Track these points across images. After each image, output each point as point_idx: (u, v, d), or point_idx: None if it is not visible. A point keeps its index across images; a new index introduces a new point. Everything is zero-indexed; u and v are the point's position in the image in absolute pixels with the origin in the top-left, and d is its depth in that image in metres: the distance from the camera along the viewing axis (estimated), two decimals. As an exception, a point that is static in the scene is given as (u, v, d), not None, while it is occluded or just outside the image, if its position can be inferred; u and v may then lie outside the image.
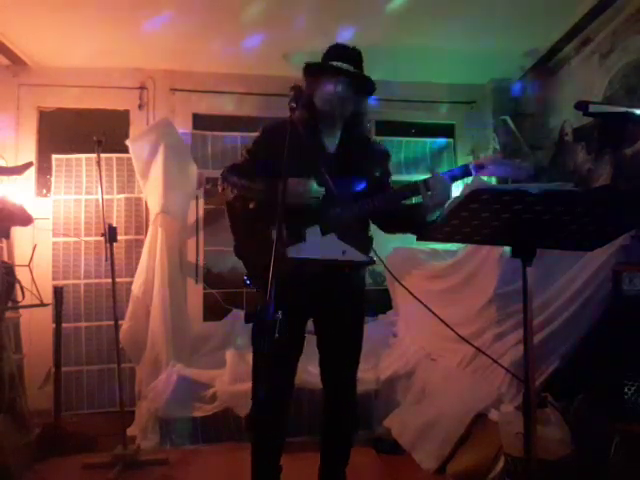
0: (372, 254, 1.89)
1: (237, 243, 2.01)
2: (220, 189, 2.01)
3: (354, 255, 1.84)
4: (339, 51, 1.95)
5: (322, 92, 1.91)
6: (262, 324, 1.40)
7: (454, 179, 1.82)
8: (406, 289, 1.79)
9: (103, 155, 3.15)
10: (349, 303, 1.98)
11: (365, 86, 1.97)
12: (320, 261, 1.83)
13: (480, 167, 1.78)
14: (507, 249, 1.34)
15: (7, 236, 3.44)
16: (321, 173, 1.83)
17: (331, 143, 1.99)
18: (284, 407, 1.97)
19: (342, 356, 2.01)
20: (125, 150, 3.62)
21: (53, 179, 3.71)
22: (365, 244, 1.93)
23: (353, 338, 2.02)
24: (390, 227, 2.07)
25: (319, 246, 1.83)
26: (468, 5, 3.14)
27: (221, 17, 3.23)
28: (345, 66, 1.90)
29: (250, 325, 1.93)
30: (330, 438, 2.06)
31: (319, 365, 2.05)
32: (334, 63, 1.91)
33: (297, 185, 1.78)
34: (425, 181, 1.79)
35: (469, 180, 4.17)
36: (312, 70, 1.95)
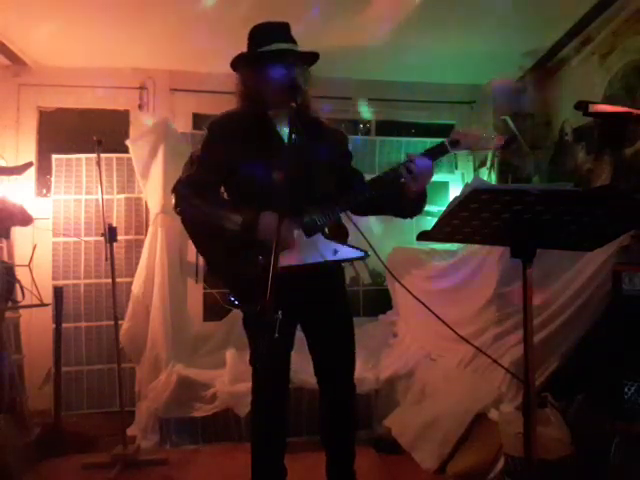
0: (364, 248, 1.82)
1: (212, 261, 1.89)
2: (178, 210, 1.88)
3: (347, 253, 1.80)
4: (273, 31, 1.83)
5: (276, 80, 1.76)
6: (262, 324, 1.40)
7: (432, 159, 1.78)
8: (406, 289, 1.79)
9: (103, 155, 3.15)
10: (334, 297, 1.97)
11: (308, 58, 1.86)
12: (312, 265, 1.78)
13: (455, 143, 1.77)
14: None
15: (7, 236, 3.43)
16: (286, 168, 1.64)
17: (285, 132, 1.84)
18: (283, 404, 1.96)
19: (337, 354, 1.97)
20: (125, 150, 3.62)
21: (53, 179, 3.70)
22: (345, 235, 1.88)
23: (344, 331, 1.98)
24: (365, 211, 1.99)
25: (307, 250, 1.77)
26: (468, 5, 3.15)
27: (221, 17, 3.23)
28: (290, 46, 1.80)
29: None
30: (336, 439, 2.03)
31: (315, 373, 2.01)
32: (280, 46, 1.78)
33: (272, 224, 1.59)
34: (406, 164, 1.74)
35: (469, 180, 4.20)
36: (257, 59, 1.81)
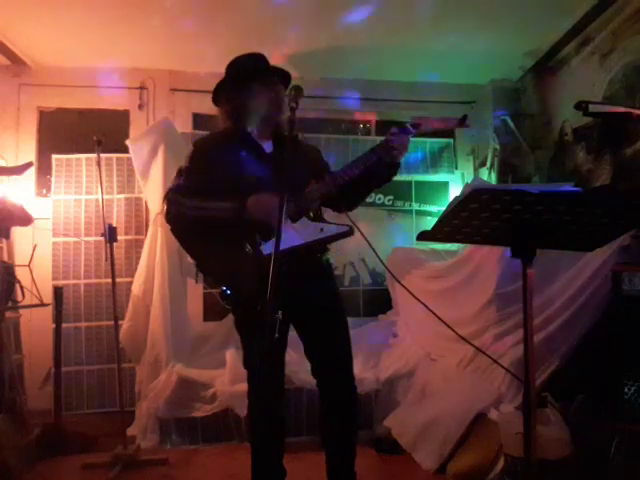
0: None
1: (202, 260, 1.94)
2: (168, 217, 1.94)
3: (332, 229, 1.86)
4: (257, 60, 2.05)
5: (270, 99, 1.96)
6: (262, 324, 1.40)
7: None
8: (406, 289, 1.79)
9: (103, 155, 3.15)
10: (329, 299, 1.99)
11: (288, 81, 2.06)
12: (302, 246, 1.82)
13: (417, 125, 1.91)
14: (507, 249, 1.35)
15: (7, 236, 3.44)
16: (265, 169, 1.87)
17: (267, 146, 2.01)
18: (280, 404, 1.98)
19: (335, 355, 1.97)
20: (125, 150, 3.61)
21: (53, 179, 3.71)
22: (326, 220, 1.96)
23: (341, 333, 1.98)
24: (355, 198, 2.05)
25: (295, 233, 1.82)
26: (468, 5, 3.15)
27: (221, 17, 3.23)
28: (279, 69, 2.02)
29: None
30: (336, 439, 2.02)
31: (314, 375, 2.01)
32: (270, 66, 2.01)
33: (271, 202, 1.71)
34: (386, 140, 1.86)
35: (469, 180, 4.20)
36: (251, 80, 1.99)
